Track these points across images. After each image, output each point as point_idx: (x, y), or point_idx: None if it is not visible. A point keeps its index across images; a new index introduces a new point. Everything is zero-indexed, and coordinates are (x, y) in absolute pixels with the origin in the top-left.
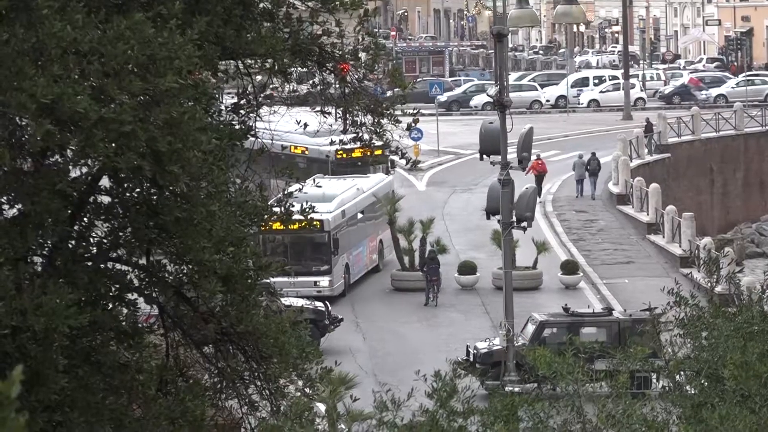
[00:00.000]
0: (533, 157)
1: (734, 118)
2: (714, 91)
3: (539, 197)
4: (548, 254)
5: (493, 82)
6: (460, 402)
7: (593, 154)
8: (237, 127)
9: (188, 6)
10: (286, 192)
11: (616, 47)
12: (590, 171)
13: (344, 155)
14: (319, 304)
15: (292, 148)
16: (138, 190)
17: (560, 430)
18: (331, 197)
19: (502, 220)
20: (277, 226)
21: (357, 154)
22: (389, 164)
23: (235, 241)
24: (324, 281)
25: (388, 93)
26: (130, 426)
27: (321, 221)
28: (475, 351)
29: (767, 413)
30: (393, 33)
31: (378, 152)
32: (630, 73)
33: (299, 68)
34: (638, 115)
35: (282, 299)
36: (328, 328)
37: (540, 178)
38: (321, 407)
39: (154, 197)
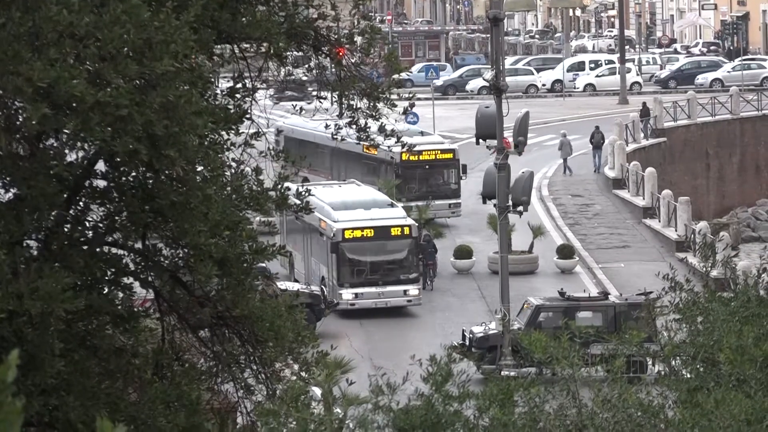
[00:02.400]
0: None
1: (730, 103)
2: (710, 76)
3: None
4: (544, 238)
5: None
6: (455, 386)
7: (597, 127)
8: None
9: None
10: (282, 175)
11: (612, 31)
12: (594, 144)
13: (412, 157)
14: (315, 288)
15: (365, 148)
16: (134, 174)
17: (556, 414)
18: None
19: (498, 204)
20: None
21: (426, 156)
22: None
23: (231, 224)
24: (413, 290)
25: (393, 77)
26: (125, 410)
27: (409, 226)
28: (470, 335)
29: (763, 397)
30: (389, 17)
31: (448, 155)
32: (626, 58)
33: (295, 52)
34: (634, 99)
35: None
36: (324, 313)
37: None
38: (317, 391)
39: (150, 181)
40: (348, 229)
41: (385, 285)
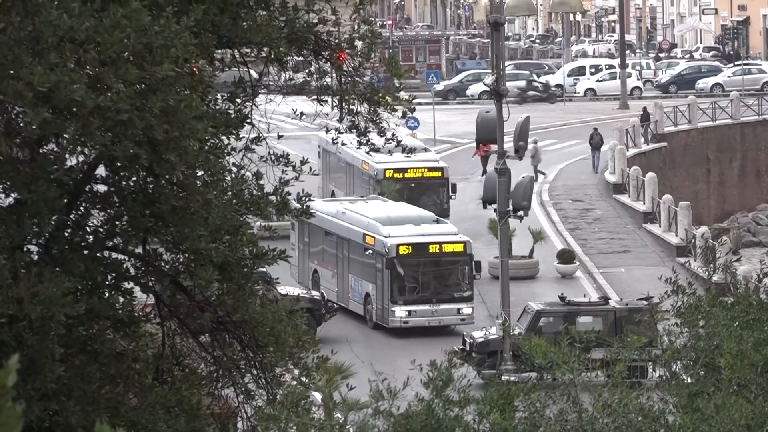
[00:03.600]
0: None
1: (731, 107)
2: (711, 80)
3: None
4: (544, 243)
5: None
6: (456, 391)
7: (595, 129)
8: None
9: None
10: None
11: (612, 36)
12: (593, 145)
13: (396, 174)
14: (315, 293)
15: (363, 164)
16: (134, 178)
17: (556, 419)
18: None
19: (499, 209)
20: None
21: (411, 174)
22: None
23: (231, 229)
24: (467, 308)
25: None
26: (126, 415)
27: (464, 243)
28: (471, 340)
29: (763, 402)
30: (389, 22)
31: (436, 174)
32: (627, 62)
33: (295, 56)
34: (635, 104)
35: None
36: (325, 317)
37: (486, 158)
38: (317, 396)
39: (151, 186)
40: (403, 244)
41: (439, 303)
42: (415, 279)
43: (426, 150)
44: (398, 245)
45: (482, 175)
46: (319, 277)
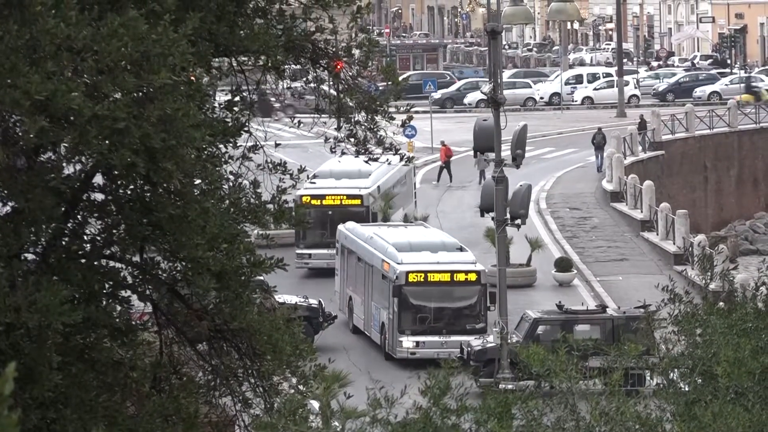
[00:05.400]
0: (439, 144)
1: (728, 116)
2: (708, 89)
3: (450, 181)
4: (542, 251)
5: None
6: (453, 399)
7: (599, 129)
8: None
9: (181, 2)
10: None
11: (609, 44)
12: (596, 145)
13: (313, 201)
14: (313, 302)
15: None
16: (132, 187)
17: (554, 427)
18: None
19: (496, 217)
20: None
21: (329, 201)
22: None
23: (228, 237)
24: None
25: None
26: (123, 423)
27: (477, 272)
28: (468, 348)
29: (760, 410)
30: (387, 30)
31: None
32: (624, 70)
33: (293, 65)
34: (632, 112)
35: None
36: (322, 326)
37: (447, 162)
38: (314, 404)
39: (148, 194)
40: (412, 272)
41: (449, 334)
42: (424, 308)
43: (461, 249)
44: (407, 272)
45: (437, 181)
46: (353, 304)
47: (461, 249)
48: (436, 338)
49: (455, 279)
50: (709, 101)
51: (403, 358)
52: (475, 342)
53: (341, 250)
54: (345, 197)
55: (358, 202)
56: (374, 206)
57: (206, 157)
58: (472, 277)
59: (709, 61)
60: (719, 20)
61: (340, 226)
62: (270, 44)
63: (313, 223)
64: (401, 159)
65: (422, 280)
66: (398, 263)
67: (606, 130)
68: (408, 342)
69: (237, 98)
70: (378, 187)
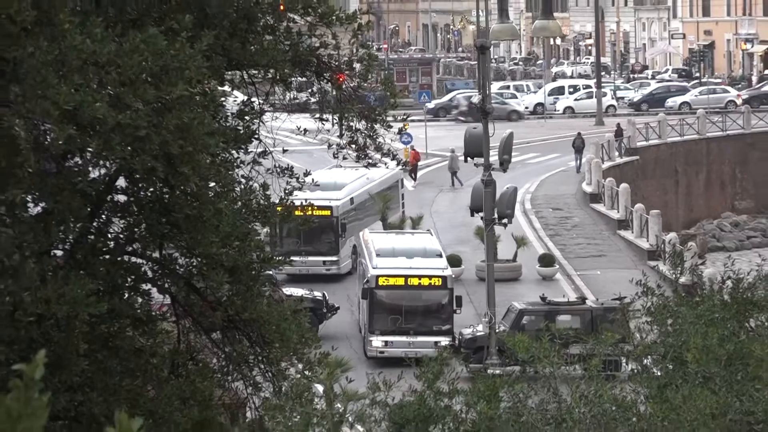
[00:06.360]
0: (409, 148)
1: (697, 124)
2: (679, 99)
3: (414, 183)
4: (527, 248)
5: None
6: (446, 383)
7: (579, 134)
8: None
9: (197, 20)
10: (287, 191)
11: (589, 59)
12: (576, 148)
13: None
14: (317, 294)
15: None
16: (152, 189)
17: (538, 408)
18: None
19: (485, 217)
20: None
21: (298, 211)
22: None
23: (240, 236)
24: (445, 342)
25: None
26: (144, 405)
27: (443, 278)
28: (460, 336)
29: (726, 393)
30: (385, 46)
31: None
32: (602, 82)
33: (299, 77)
34: (609, 120)
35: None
36: (326, 316)
37: (414, 166)
38: (319, 388)
39: (167, 196)
40: (382, 276)
41: (416, 335)
42: (393, 310)
43: (440, 256)
44: (377, 276)
45: (402, 186)
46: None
47: (440, 255)
48: (403, 338)
49: (422, 283)
50: (680, 111)
51: (373, 356)
52: (466, 331)
53: (358, 254)
54: (316, 208)
55: (327, 213)
56: (343, 217)
57: (220, 162)
58: (438, 282)
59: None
60: (689, 36)
61: (360, 232)
62: (278, 59)
63: (286, 232)
64: (398, 164)
65: (391, 283)
66: (373, 267)
67: (585, 136)
68: (377, 341)
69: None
70: (351, 198)
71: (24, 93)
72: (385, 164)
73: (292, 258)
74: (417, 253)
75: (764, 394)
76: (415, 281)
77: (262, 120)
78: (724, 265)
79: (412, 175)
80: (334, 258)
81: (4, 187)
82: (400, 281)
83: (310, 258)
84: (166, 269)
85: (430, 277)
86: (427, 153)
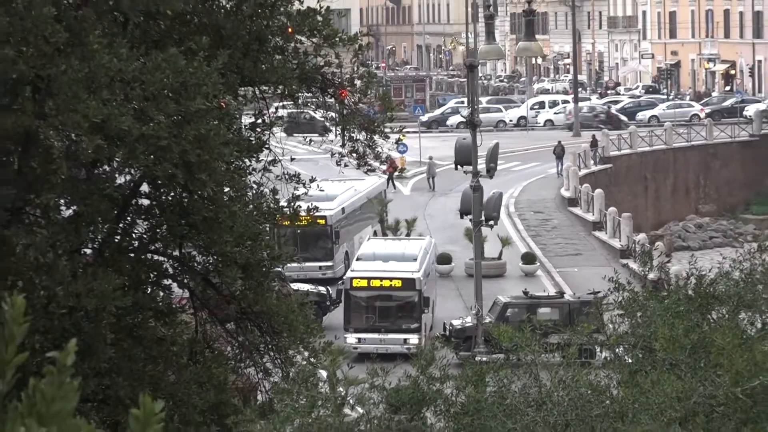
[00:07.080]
0: (404, 157)
1: (665, 135)
2: (648, 113)
3: (393, 189)
4: (511, 247)
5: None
6: (438, 369)
7: (559, 141)
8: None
9: (214, 41)
10: (294, 195)
11: (567, 76)
12: (556, 155)
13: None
14: (321, 289)
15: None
16: (172, 194)
17: (520, 392)
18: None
19: (473, 219)
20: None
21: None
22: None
23: (252, 236)
24: (413, 339)
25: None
26: (165, 389)
27: (411, 280)
28: (450, 327)
29: (691, 378)
30: (383, 64)
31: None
32: (579, 98)
33: (305, 93)
34: (586, 132)
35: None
36: (330, 309)
37: (392, 175)
38: (323, 374)
39: (186, 200)
40: (355, 278)
41: (387, 333)
42: (365, 309)
43: (414, 260)
44: (351, 278)
45: (385, 195)
46: None
47: (414, 260)
48: (375, 335)
49: (392, 285)
50: (649, 123)
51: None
52: (456, 322)
53: None
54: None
55: (322, 222)
56: (337, 226)
57: (234, 170)
58: (405, 284)
59: (641, 90)
60: (658, 56)
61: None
62: (287, 76)
63: (284, 240)
64: (395, 170)
65: (363, 285)
66: (350, 270)
67: (564, 147)
68: (351, 338)
69: (259, 120)
70: (342, 208)
71: (57, 107)
72: (380, 167)
73: (292, 261)
74: (395, 257)
75: (724, 379)
76: (386, 283)
77: (272, 132)
78: (689, 263)
79: (392, 183)
80: (329, 263)
81: (39, 192)
82: (375, 283)
83: (307, 264)
84: (185, 266)
85: (398, 279)
86: (420, 161)
